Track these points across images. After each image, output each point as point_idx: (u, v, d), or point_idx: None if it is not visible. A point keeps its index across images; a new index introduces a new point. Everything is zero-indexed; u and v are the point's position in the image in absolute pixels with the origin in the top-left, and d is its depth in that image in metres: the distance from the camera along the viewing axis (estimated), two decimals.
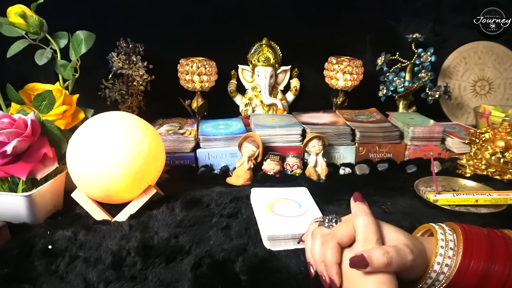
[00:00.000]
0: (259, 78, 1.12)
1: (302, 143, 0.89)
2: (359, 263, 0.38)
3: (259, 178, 0.84)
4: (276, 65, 1.14)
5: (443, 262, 0.41)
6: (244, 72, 1.17)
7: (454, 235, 0.43)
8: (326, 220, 0.47)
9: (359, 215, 0.43)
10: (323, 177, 0.85)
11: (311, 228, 0.49)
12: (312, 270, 0.46)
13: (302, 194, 0.72)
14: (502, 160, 0.85)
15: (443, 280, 0.41)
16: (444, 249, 0.42)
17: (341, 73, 1.08)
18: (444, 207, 0.71)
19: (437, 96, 1.11)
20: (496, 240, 0.42)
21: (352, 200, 0.46)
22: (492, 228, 0.46)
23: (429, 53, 1.09)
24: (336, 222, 0.46)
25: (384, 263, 0.38)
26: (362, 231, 0.42)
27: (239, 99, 1.18)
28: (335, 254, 0.42)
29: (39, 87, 0.77)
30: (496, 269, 0.40)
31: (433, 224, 0.47)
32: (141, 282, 0.50)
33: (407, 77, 1.13)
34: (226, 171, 0.88)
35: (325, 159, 0.87)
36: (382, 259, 0.38)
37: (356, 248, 0.42)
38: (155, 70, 1.05)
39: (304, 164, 0.88)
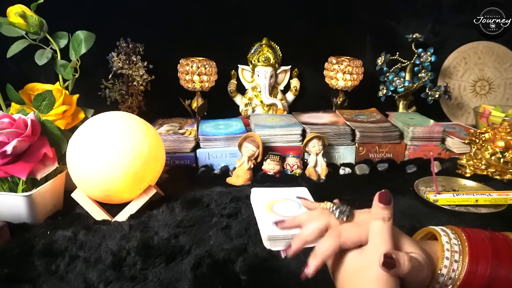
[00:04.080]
0: (259, 78, 1.12)
1: (302, 143, 0.89)
2: (389, 264, 0.38)
3: (259, 178, 0.84)
4: (276, 65, 1.14)
5: (450, 266, 0.41)
6: (244, 72, 1.17)
7: (458, 240, 0.43)
8: (338, 211, 0.44)
9: (377, 219, 0.41)
10: (323, 177, 0.85)
11: (321, 215, 0.45)
12: (283, 254, 0.43)
13: (302, 194, 0.72)
14: (502, 160, 0.85)
15: (450, 286, 0.41)
16: (450, 253, 0.41)
17: (341, 73, 1.08)
18: (444, 207, 0.71)
19: (437, 96, 1.11)
20: (499, 243, 0.42)
21: (375, 199, 0.43)
22: (492, 230, 0.45)
23: (429, 53, 1.09)
24: (347, 217, 0.44)
25: (408, 269, 0.38)
26: (374, 236, 0.41)
27: (239, 99, 1.18)
28: (329, 251, 0.41)
29: (39, 87, 0.77)
30: (501, 273, 0.39)
31: (436, 228, 0.46)
32: (141, 282, 0.50)
33: (407, 77, 1.13)
34: (226, 171, 0.88)
35: (325, 159, 0.87)
36: (407, 265, 0.38)
37: (365, 250, 0.41)
38: (155, 70, 1.05)
39: (304, 164, 0.88)
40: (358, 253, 0.41)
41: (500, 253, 0.40)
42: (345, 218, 0.44)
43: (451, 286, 0.41)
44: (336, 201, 0.46)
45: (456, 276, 0.40)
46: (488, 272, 0.39)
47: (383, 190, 0.43)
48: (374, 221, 0.42)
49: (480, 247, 0.41)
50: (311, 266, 0.41)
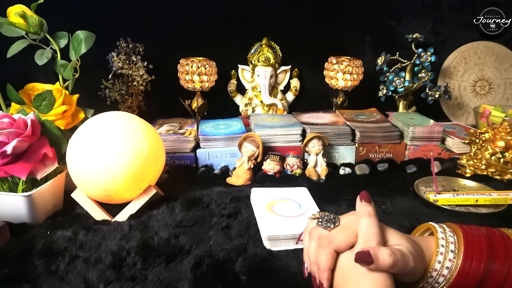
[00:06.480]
0: (259, 78, 1.12)
1: (302, 143, 0.89)
2: (364, 259, 0.38)
3: (259, 178, 0.84)
4: (276, 65, 1.14)
5: (443, 262, 0.41)
6: (244, 72, 1.17)
7: (455, 237, 0.43)
8: (324, 221, 0.46)
9: (363, 216, 0.43)
10: (323, 177, 0.85)
11: (309, 226, 0.49)
12: (305, 271, 0.46)
13: (302, 194, 0.72)
14: (502, 160, 0.85)
15: (443, 283, 0.41)
16: (445, 249, 0.42)
17: (341, 73, 1.08)
18: (444, 207, 0.71)
19: (437, 96, 1.11)
20: (495, 239, 0.42)
21: (358, 199, 0.45)
22: (491, 227, 0.46)
23: (429, 53, 1.09)
24: (334, 223, 0.45)
25: (389, 264, 0.38)
26: (364, 233, 0.42)
27: (239, 99, 1.18)
28: (329, 260, 0.42)
29: (39, 87, 0.77)
30: (495, 268, 0.40)
31: (434, 224, 0.46)
32: (141, 282, 0.50)
33: (407, 77, 1.13)
34: (226, 171, 0.88)
35: (325, 159, 0.87)
36: (387, 260, 0.38)
37: (356, 249, 0.42)
38: (155, 70, 1.05)
39: (304, 164, 0.88)
40: (350, 252, 0.42)
41: (495, 250, 0.41)
42: (332, 226, 0.45)
43: (444, 282, 0.41)
44: (318, 214, 0.48)
45: (449, 274, 0.41)
46: (481, 270, 0.40)
47: (362, 191, 0.46)
48: (361, 219, 0.43)
49: (476, 245, 0.41)
50: (323, 280, 0.42)
